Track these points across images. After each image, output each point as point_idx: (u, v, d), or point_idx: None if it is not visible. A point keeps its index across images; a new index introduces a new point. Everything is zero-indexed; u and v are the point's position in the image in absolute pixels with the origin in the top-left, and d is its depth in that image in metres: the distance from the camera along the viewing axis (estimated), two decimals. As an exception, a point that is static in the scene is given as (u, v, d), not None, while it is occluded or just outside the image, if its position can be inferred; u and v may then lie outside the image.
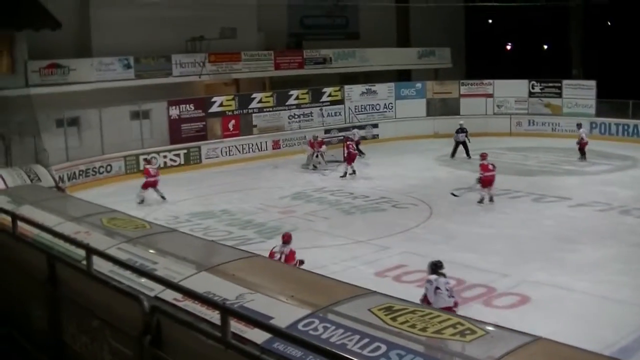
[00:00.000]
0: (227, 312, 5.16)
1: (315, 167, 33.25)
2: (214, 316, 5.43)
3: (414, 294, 14.10)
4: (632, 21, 49.50)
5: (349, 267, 17.71)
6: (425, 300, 12.79)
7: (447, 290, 12.88)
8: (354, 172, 30.91)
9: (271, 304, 6.35)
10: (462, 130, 36.26)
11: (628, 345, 13.18)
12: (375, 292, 6.75)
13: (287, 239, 16.13)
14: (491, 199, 25.16)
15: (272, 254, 15.59)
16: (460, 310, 13.56)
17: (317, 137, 34.73)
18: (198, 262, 7.82)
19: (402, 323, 5.88)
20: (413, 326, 5.83)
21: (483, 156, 25.76)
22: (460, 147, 35.90)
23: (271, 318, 5.93)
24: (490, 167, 25.20)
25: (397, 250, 19.48)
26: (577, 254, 19.17)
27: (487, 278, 16.95)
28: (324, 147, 33.95)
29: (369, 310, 6.11)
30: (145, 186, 26.61)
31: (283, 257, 15.83)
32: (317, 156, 33.70)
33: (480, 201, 25.08)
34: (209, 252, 9.30)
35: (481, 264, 18.12)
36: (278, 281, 7.45)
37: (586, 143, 34.92)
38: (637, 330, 13.80)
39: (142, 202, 26.40)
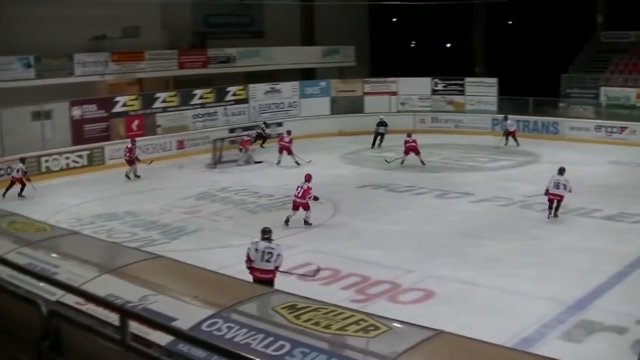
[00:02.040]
0: (126, 314, 5.11)
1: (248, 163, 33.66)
2: (117, 319, 5.38)
3: (319, 292, 14.18)
4: (532, 20, 50.59)
5: (254, 266, 17.70)
6: (247, 259, 14.87)
7: (265, 253, 14.62)
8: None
9: (175, 305, 6.32)
10: (382, 124, 38.48)
11: (529, 336, 13.50)
12: (278, 290, 6.79)
13: (308, 179, 22.45)
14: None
15: (297, 188, 22.25)
16: (365, 307, 13.70)
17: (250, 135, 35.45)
18: (100, 265, 7.73)
19: (305, 321, 5.91)
20: (317, 324, 5.86)
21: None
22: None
23: (175, 319, 5.90)
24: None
25: (302, 248, 19.51)
26: (481, 249, 19.51)
27: (393, 274, 17.11)
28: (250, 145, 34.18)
29: (273, 309, 6.13)
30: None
31: (302, 191, 22.05)
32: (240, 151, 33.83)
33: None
34: (112, 254, 9.19)
35: (386, 261, 18.29)
36: (182, 282, 7.41)
37: (513, 131, 37.85)
38: (539, 321, 14.13)
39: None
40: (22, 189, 27.40)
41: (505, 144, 37.91)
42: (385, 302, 15.31)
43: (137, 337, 5.18)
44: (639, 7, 44.07)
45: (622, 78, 42.86)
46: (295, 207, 22.33)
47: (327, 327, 5.83)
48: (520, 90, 41.19)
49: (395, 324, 6.10)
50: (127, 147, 31.20)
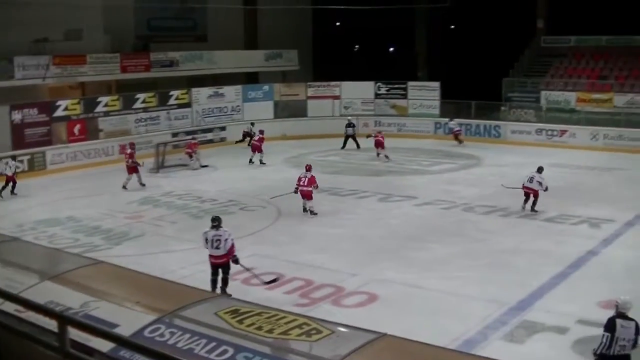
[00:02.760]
0: (64, 321, 5.07)
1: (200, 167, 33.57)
2: (56, 326, 5.32)
3: (263, 296, 14.21)
4: (474, 25, 51.03)
5: (198, 271, 17.53)
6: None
7: (214, 241, 15.85)
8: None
9: (116, 311, 6.29)
10: (350, 124, 39.31)
11: (472, 337, 13.64)
12: (221, 295, 6.79)
13: (309, 168, 24.54)
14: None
15: (299, 179, 24.13)
16: (310, 311, 13.70)
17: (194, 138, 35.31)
18: (42, 271, 7.67)
19: (248, 325, 5.92)
20: (260, 328, 5.88)
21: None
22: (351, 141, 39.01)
23: (117, 325, 5.87)
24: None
25: (246, 252, 19.36)
26: (424, 252, 19.64)
27: (336, 278, 17.15)
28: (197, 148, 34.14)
29: (215, 314, 6.13)
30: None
31: (306, 180, 23.90)
32: (190, 157, 33.61)
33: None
34: (53, 260, 9.12)
35: (330, 264, 18.32)
36: (124, 287, 7.38)
37: (459, 131, 39.60)
38: (481, 322, 14.28)
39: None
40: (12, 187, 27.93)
41: (460, 143, 39.44)
42: (329, 306, 15.34)
43: (78, 344, 5.14)
44: (578, 12, 44.89)
45: (562, 82, 43.47)
46: (303, 196, 24.13)
47: (270, 331, 5.85)
48: (462, 94, 41.59)
49: (338, 328, 6.14)
50: (127, 153, 30.11)
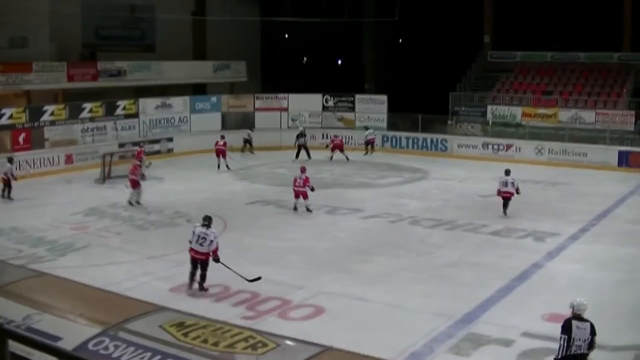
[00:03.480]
0: (5, 334, 5.00)
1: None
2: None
3: (210, 309, 14.13)
4: (422, 39, 51.43)
5: (143, 283, 17.46)
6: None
7: (200, 237, 17.03)
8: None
9: (60, 323, 6.21)
10: (301, 134, 40.00)
11: (418, 350, 13.66)
12: (166, 308, 6.71)
13: (304, 170, 26.54)
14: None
15: (294, 180, 26.15)
16: (256, 324, 13.68)
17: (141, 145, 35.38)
18: (-18, 283, 7.55)
19: (194, 338, 5.89)
20: (205, 341, 5.85)
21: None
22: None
23: (59, 339, 5.80)
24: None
25: (192, 264, 19.39)
26: (371, 265, 19.65)
27: (283, 290, 17.09)
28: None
29: (160, 326, 6.08)
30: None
31: (301, 180, 25.98)
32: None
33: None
34: (-5, 271, 8.98)
35: (276, 277, 18.24)
36: (68, 300, 7.30)
37: (373, 139, 41.88)
38: (427, 335, 14.30)
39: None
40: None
41: (367, 154, 41.33)
42: (275, 319, 15.28)
43: (20, 358, 5.07)
44: (524, 28, 45.45)
45: (508, 97, 43.92)
46: (297, 196, 26.21)
47: (216, 344, 5.83)
48: (409, 107, 41.85)
49: (284, 341, 6.13)
50: (133, 165, 28.81)
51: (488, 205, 27.35)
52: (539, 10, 45.43)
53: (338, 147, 39.11)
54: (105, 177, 32.75)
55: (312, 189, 26.28)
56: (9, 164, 29.07)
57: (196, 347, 5.76)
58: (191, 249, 17.13)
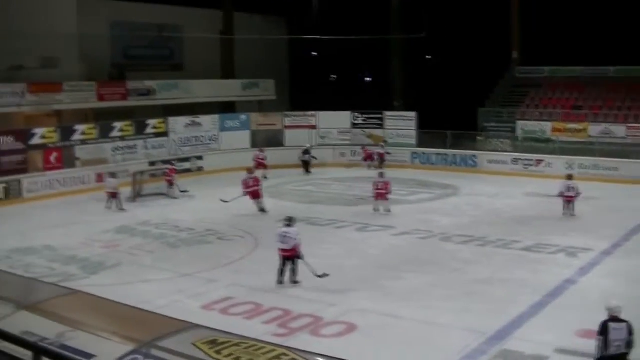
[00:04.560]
0: (40, 351, 5.00)
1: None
2: (31, 357, 5.25)
3: (241, 327, 14.09)
4: (450, 55, 51.40)
5: (174, 301, 17.49)
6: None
7: (282, 236, 18.99)
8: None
9: (93, 341, 6.21)
10: (307, 152, 41.01)
11: (451, 368, 13.57)
12: (199, 325, 6.69)
13: (382, 174, 30.08)
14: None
15: (375, 184, 29.05)
16: (288, 341, 13.64)
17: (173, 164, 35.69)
18: (17, 301, 7.57)
19: (226, 356, 5.85)
20: (238, 359, 5.81)
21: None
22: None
23: (93, 356, 5.80)
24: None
25: (224, 282, 19.38)
26: (402, 281, 19.56)
27: (314, 308, 17.04)
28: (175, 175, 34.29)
29: (193, 344, 6.05)
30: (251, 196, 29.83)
31: (382, 184, 28.90)
32: (170, 185, 33.52)
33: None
34: (28, 289, 9.01)
35: (308, 294, 18.22)
36: (101, 317, 7.30)
37: (384, 154, 41.54)
38: (460, 352, 14.18)
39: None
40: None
41: (370, 167, 40.65)
42: (307, 336, 15.22)
43: (54, 376, 5.07)
44: (552, 43, 45.26)
45: (537, 112, 43.77)
46: (377, 198, 29.15)
47: (249, 362, 5.78)
48: (438, 124, 41.75)
49: (317, 358, 6.09)
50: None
51: (519, 220, 27.25)
52: (567, 25, 45.21)
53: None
54: (136, 196, 32.88)
55: (388, 193, 29.16)
56: (113, 179, 31.14)
57: (229, 364, 5.73)
58: (279, 249, 19.05)
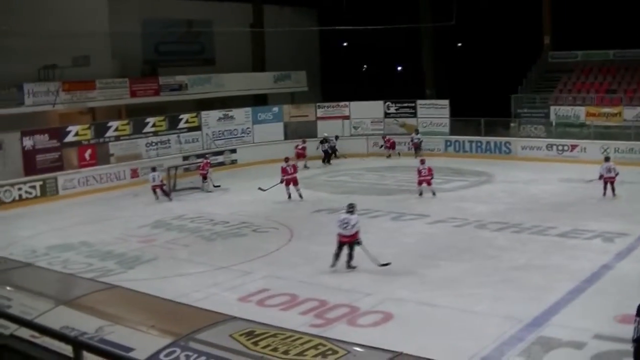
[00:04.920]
0: (79, 346, 5.06)
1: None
2: (71, 351, 5.30)
3: (278, 318, 14.13)
4: (481, 42, 51.12)
5: (211, 294, 17.58)
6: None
7: (343, 222, 19.52)
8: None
9: (131, 334, 6.26)
10: (325, 141, 41.37)
11: (488, 355, 13.47)
12: (236, 317, 6.72)
13: (423, 161, 31.25)
14: None
15: (419, 171, 30.35)
16: (325, 332, 13.67)
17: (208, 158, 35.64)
18: (55, 297, 7.64)
19: (264, 347, 5.88)
20: (275, 350, 5.84)
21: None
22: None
23: (132, 349, 5.84)
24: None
25: (260, 274, 19.45)
26: (438, 269, 19.52)
27: (351, 297, 17.06)
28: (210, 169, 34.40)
29: (230, 336, 6.09)
30: (287, 183, 30.73)
31: (425, 171, 30.25)
32: (204, 179, 33.69)
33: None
34: (67, 285, 9.10)
35: (344, 284, 18.25)
36: (138, 311, 7.36)
37: (417, 143, 42.10)
38: (497, 340, 14.12)
39: (289, 197, 30.79)
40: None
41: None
42: (344, 326, 15.24)
43: (94, 369, 5.12)
44: (584, 27, 44.84)
45: (571, 97, 43.42)
46: (420, 183, 30.27)
47: (286, 352, 5.81)
48: (471, 111, 41.62)
49: (354, 348, 6.10)
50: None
51: (555, 206, 27.12)
52: (599, 8, 44.81)
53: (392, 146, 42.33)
54: (171, 190, 33.05)
55: (432, 178, 30.31)
56: (155, 173, 32.36)
57: (266, 355, 5.75)
58: (338, 234, 19.49)
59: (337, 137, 42.67)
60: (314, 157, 40.39)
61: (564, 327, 14.64)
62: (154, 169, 32.76)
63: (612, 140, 37.95)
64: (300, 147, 40.08)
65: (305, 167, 38.07)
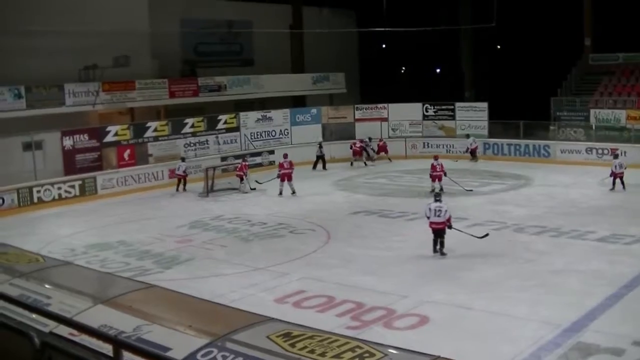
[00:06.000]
0: (119, 344, 5.08)
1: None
2: (110, 349, 5.33)
3: (314, 319, 14.15)
4: (520, 44, 50.82)
5: (248, 294, 17.62)
6: (426, 216, 21.45)
7: (436, 211, 20.97)
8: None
9: (169, 334, 6.28)
10: (320, 145, 40.94)
11: (525, 359, 13.42)
12: (273, 318, 6.73)
13: (437, 157, 32.77)
14: None
15: (434, 167, 31.69)
16: (361, 334, 13.66)
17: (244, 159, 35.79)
18: (94, 295, 7.69)
19: (301, 349, 5.87)
20: (312, 351, 5.82)
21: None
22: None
23: (169, 349, 5.86)
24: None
25: (296, 276, 19.47)
26: (475, 273, 19.44)
27: (387, 300, 17.03)
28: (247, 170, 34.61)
29: (267, 337, 6.09)
30: (282, 178, 32.31)
31: (439, 167, 31.58)
32: (241, 180, 33.83)
33: None
34: (105, 284, 9.15)
35: (380, 287, 18.23)
36: (176, 311, 7.38)
37: (475, 148, 41.43)
38: (534, 344, 14.04)
39: (280, 193, 32.26)
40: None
41: (473, 161, 41.48)
42: (380, 329, 15.23)
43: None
44: (625, 29, 44.42)
45: (611, 100, 43.08)
46: (433, 180, 31.63)
47: (323, 354, 5.79)
48: (510, 114, 41.43)
49: (390, 350, 6.08)
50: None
51: (594, 211, 26.88)
52: (641, 10, 44.43)
53: (382, 149, 42.67)
54: (209, 191, 33.18)
55: (445, 174, 31.51)
56: (183, 163, 34.77)
57: (303, 357, 5.74)
58: (431, 223, 21.15)
59: (370, 139, 42.53)
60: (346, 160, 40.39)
61: (602, 333, 14.52)
62: (183, 159, 35.14)
63: (653, 144, 37.62)
64: (358, 145, 41.47)
65: (367, 163, 41.03)
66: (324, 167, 40.07)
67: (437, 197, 21.80)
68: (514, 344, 14.05)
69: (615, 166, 30.81)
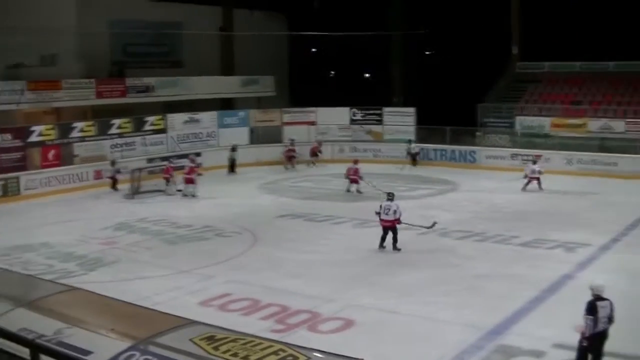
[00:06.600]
0: (37, 348, 5.02)
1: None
2: (28, 353, 5.25)
3: (239, 323, 14.11)
4: (449, 51, 51.36)
5: (172, 297, 17.49)
6: (377, 213, 22.37)
7: (385, 208, 22.19)
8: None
9: (91, 337, 6.22)
10: (233, 149, 40.53)
11: (448, 363, 13.59)
12: (196, 321, 6.71)
13: (356, 161, 34.18)
14: None
15: (348, 170, 33.20)
16: (285, 337, 13.63)
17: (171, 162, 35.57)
18: (14, 298, 7.58)
19: (224, 352, 5.87)
20: (235, 355, 5.82)
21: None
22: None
23: (90, 353, 5.81)
24: None
25: (222, 279, 19.38)
26: (401, 277, 19.54)
27: (312, 303, 17.05)
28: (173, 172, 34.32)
29: (191, 340, 6.07)
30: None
31: (352, 170, 32.97)
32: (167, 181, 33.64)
33: None
34: (27, 286, 9.03)
35: (306, 290, 18.24)
36: (98, 314, 7.31)
37: (417, 153, 41.81)
38: (458, 347, 14.17)
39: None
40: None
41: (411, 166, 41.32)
42: (305, 332, 15.23)
43: (51, 372, 5.08)
44: (552, 39, 45.20)
45: (536, 107, 43.73)
46: (351, 182, 33.04)
47: (246, 358, 5.80)
48: (437, 119, 41.76)
49: (315, 354, 6.10)
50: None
51: (517, 216, 27.26)
52: (567, 20, 45.17)
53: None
54: (135, 192, 32.88)
55: (361, 178, 32.76)
56: (112, 167, 34.59)
57: (226, 360, 5.74)
58: (381, 220, 22.18)
59: (292, 141, 42.47)
60: (275, 163, 40.36)
61: (524, 336, 14.76)
62: (112, 163, 34.82)
63: (576, 151, 38.27)
64: (288, 149, 41.61)
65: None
66: (232, 170, 40.15)
67: (390, 196, 22.75)
68: (438, 348, 14.18)
69: (532, 170, 33.02)
